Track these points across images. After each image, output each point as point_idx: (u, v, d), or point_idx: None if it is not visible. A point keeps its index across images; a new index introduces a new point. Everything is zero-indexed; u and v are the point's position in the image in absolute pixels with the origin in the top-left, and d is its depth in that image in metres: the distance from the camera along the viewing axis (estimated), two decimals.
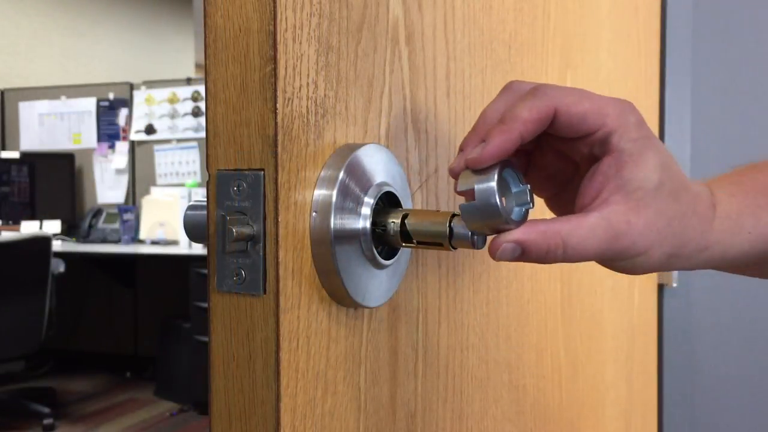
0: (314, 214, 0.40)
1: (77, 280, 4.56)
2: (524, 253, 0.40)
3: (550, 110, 0.41)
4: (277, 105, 0.37)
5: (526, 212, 0.41)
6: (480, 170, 0.40)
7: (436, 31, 0.52)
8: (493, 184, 0.39)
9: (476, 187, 0.39)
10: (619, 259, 0.42)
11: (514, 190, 0.42)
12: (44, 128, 4.84)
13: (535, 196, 0.44)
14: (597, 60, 0.95)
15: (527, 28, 0.69)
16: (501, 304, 0.65)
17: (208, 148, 0.40)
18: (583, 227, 0.40)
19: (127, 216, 4.44)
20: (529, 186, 0.42)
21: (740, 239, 0.44)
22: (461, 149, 0.42)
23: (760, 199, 0.45)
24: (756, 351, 1.45)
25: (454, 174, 0.41)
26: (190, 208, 0.44)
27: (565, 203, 0.47)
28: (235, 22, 0.38)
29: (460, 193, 0.41)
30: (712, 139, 1.42)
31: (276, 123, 0.37)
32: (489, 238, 0.41)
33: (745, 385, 1.46)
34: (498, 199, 0.38)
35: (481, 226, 0.40)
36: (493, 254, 0.40)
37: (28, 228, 4.35)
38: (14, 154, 4.61)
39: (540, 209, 0.48)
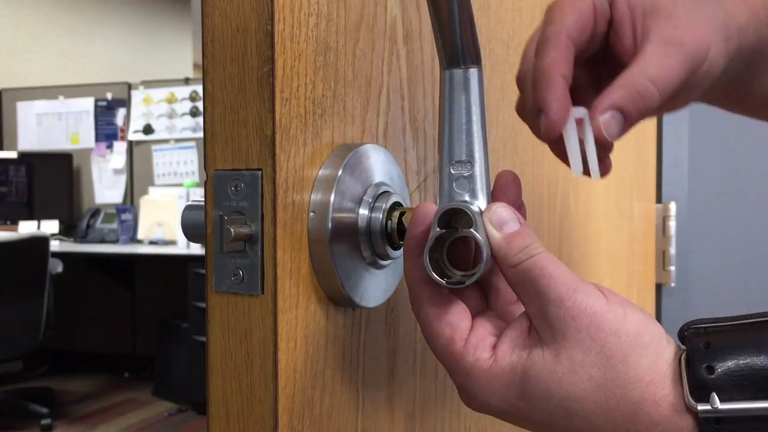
0: (312, 214, 0.40)
1: (75, 280, 4.55)
2: (625, 115, 0.41)
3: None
4: (275, 105, 0.37)
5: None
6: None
7: None
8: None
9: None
10: (697, 69, 0.42)
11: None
12: (42, 128, 4.84)
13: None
14: None
15: (525, 28, 0.69)
16: None
17: (206, 148, 0.40)
18: (649, 56, 0.41)
19: (125, 216, 4.43)
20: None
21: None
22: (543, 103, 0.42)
23: None
24: None
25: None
26: (188, 208, 0.44)
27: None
28: (233, 22, 0.38)
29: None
30: (712, 138, 1.42)
31: (274, 123, 0.37)
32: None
33: None
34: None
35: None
36: (602, 134, 0.40)
37: (26, 228, 4.35)
38: (12, 154, 4.60)
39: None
